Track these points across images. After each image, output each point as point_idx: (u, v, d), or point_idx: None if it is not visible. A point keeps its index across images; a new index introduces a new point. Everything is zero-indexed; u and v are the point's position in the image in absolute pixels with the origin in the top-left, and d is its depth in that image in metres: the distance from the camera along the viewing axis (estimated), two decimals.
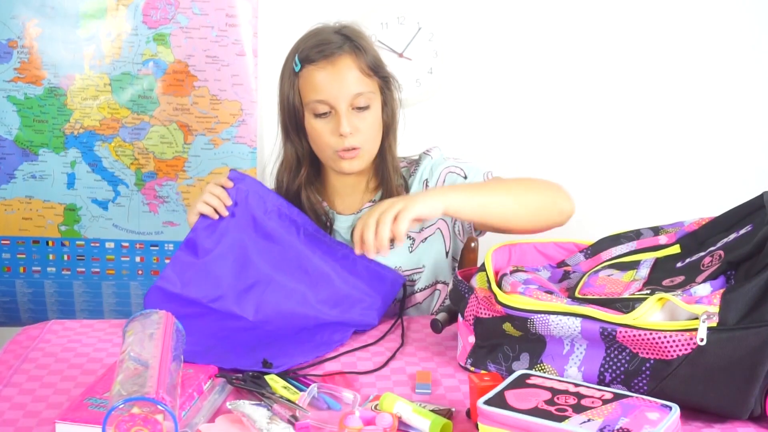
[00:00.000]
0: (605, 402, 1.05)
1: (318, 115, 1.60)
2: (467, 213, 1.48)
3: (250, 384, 1.25)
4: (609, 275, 1.30)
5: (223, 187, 1.59)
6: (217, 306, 1.52)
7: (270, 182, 1.75)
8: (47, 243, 2.29)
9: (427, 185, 1.69)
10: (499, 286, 1.30)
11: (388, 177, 1.67)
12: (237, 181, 1.59)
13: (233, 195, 1.58)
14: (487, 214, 1.49)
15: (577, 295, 1.24)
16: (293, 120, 1.64)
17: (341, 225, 1.70)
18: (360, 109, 1.60)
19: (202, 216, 1.57)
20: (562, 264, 1.44)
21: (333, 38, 1.61)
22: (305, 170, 1.67)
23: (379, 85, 1.64)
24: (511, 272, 1.34)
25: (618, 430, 0.99)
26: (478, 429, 1.07)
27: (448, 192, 1.49)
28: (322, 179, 1.72)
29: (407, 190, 1.70)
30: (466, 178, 1.66)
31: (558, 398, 1.07)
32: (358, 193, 1.71)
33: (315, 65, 1.59)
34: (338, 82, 1.58)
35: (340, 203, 1.72)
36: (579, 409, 1.04)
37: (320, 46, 1.59)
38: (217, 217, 1.56)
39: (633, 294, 1.20)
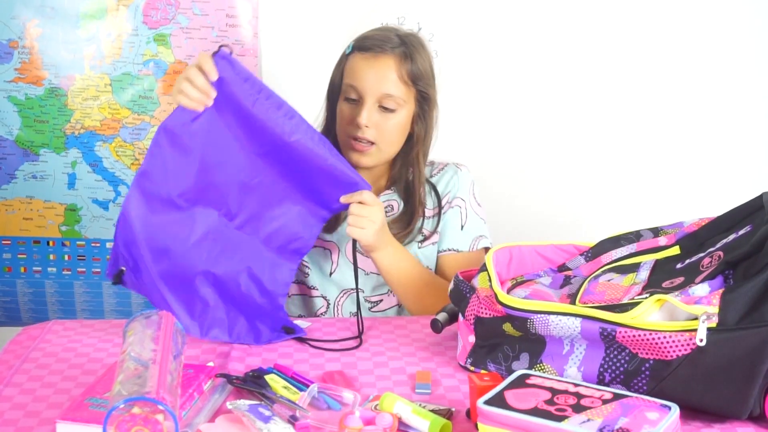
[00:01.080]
0: (605, 402, 1.05)
1: (348, 100, 1.67)
2: (379, 265, 1.62)
3: (250, 384, 1.25)
4: (609, 280, 1.30)
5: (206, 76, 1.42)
6: (196, 207, 1.46)
7: None
8: (48, 243, 2.29)
9: (450, 203, 1.75)
10: None
11: (413, 189, 1.71)
12: (222, 67, 1.42)
13: (218, 85, 1.42)
14: (388, 281, 1.65)
15: (577, 304, 1.24)
16: (332, 98, 1.72)
17: None
18: (386, 109, 1.65)
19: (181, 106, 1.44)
20: (563, 268, 1.44)
21: (391, 37, 1.67)
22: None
23: (415, 97, 1.69)
24: (509, 289, 1.34)
25: (618, 430, 0.99)
26: (477, 429, 1.07)
27: (389, 246, 1.61)
28: None
29: (437, 193, 1.74)
30: (462, 228, 1.74)
31: (558, 398, 1.07)
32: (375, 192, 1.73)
33: (362, 54, 1.66)
34: (374, 76, 1.64)
35: None
36: (578, 409, 1.04)
37: (375, 39, 1.67)
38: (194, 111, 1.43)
39: (632, 299, 1.20)
